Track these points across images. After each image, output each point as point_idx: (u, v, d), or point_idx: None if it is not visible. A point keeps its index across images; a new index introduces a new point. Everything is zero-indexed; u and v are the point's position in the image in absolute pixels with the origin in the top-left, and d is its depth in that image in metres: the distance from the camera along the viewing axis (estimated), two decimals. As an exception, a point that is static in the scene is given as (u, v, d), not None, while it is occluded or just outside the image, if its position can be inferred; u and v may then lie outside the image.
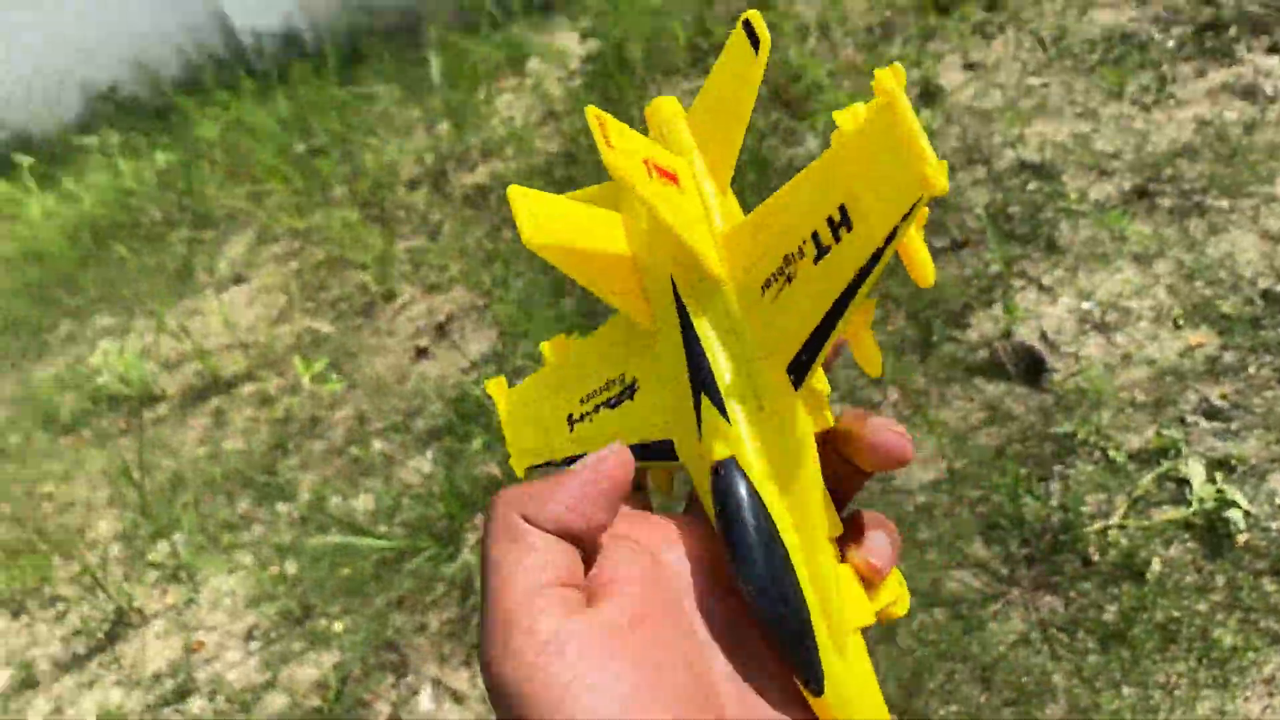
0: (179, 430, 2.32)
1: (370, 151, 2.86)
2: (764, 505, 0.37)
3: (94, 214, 3.21)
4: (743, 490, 0.37)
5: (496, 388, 0.49)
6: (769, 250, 0.38)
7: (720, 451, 0.38)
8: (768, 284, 0.38)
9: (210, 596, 1.90)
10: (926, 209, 0.32)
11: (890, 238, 0.32)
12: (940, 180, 0.29)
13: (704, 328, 0.40)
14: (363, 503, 1.95)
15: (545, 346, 0.48)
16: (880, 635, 1.43)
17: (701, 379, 0.39)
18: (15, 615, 2.03)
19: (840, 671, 0.36)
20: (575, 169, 2.50)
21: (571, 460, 0.43)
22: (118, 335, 2.70)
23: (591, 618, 0.34)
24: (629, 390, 0.43)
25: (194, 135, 3.29)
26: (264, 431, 2.22)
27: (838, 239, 0.34)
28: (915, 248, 0.35)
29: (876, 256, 0.33)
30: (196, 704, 1.73)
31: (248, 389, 2.36)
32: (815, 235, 0.35)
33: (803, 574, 0.36)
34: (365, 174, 2.79)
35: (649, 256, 0.43)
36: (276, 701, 1.68)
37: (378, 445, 2.06)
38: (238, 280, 2.74)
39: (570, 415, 0.45)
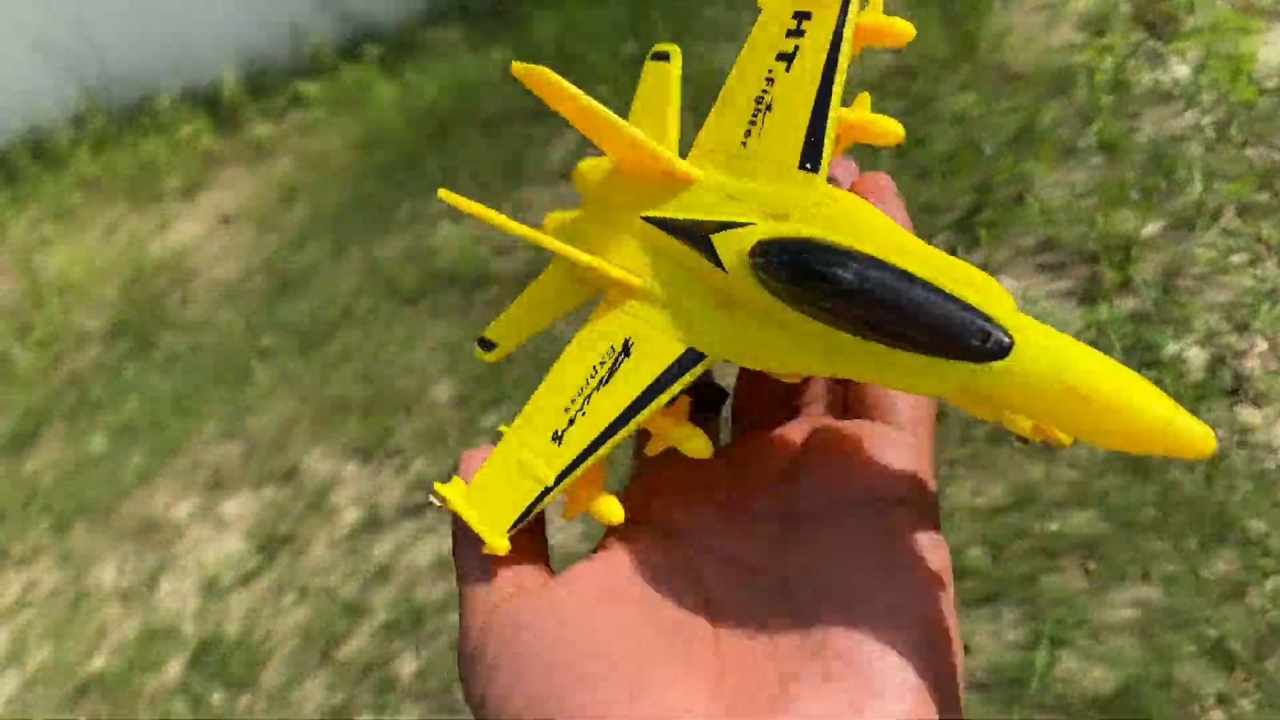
0: (508, 311, 2.48)
1: (697, 58, 2.90)
2: (847, 248, 0.32)
3: (436, 102, 3.43)
4: (815, 245, 0.33)
5: (455, 493, 0.41)
6: (738, 111, 0.39)
7: (753, 234, 0.36)
8: (747, 134, 0.38)
9: (537, 467, 2.04)
10: None
11: None
12: None
13: (699, 207, 0.38)
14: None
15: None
16: (1229, 590, 1.36)
17: (710, 244, 0.37)
18: (364, 461, 2.26)
19: (1020, 319, 0.30)
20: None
21: (564, 475, 0.38)
22: (455, 217, 2.90)
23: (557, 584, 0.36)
24: (624, 351, 0.39)
25: (530, 35, 3.43)
26: (588, 320, 2.34)
27: (802, 34, 0.37)
28: (879, 17, 0.38)
29: (844, 12, 0.36)
30: (523, 562, 1.87)
31: (573, 278, 2.49)
32: (779, 54, 0.37)
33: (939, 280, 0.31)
34: (691, 79, 2.83)
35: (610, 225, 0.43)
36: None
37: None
38: (564, 176, 2.86)
39: (555, 432, 0.39)
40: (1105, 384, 0.28)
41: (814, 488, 0.36)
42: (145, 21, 4.04)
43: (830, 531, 0.34)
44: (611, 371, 0.38)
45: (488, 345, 0.48)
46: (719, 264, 0.36)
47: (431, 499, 0.40)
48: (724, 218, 0.36)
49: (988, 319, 0.29)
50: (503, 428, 0.41)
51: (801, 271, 0.32)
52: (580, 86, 0.40)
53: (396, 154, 3.34)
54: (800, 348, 0.34)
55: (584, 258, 0.40)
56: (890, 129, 0.39)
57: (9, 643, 2.31)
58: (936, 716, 0.29)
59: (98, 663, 2.16)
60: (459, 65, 3.55)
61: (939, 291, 0.30)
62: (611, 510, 0.37)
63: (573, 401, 0.39)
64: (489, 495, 0.39)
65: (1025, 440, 0.40)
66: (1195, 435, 0.27)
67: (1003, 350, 0.29)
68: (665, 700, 0.30)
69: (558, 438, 0.38)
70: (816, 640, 0.31)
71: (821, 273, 0.32)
